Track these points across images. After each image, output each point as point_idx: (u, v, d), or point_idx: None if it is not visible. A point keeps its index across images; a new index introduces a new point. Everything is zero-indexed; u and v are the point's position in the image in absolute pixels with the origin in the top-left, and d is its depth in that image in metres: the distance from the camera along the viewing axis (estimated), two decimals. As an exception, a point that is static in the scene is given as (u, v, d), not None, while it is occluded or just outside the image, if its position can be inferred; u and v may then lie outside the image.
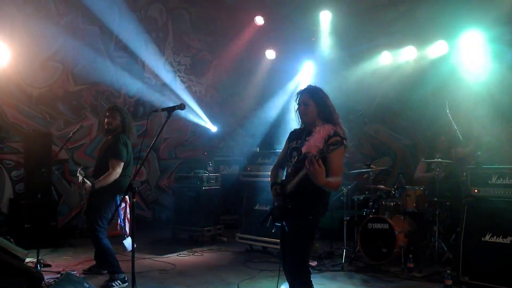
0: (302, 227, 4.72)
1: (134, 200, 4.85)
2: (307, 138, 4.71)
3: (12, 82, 10.08)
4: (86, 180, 6.90)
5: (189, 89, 13.39)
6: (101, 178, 6.96)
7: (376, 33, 11.25)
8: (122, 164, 7.06)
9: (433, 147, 9.01)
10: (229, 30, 13.15)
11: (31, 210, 9.37)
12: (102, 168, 7.08)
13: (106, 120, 7.34)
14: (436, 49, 10.61)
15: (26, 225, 9.19)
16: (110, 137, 7.33)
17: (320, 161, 4.25)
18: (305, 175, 4.48)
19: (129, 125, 7.43)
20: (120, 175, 7.07)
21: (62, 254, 9.04)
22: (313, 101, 4.85)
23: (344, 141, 4.42)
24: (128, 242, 8.43)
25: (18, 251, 7.12)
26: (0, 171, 10.15)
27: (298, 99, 4.96)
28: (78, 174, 7.08)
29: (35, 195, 9.60)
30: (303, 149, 4.63)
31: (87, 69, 11.32)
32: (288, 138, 5.11)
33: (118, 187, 7.06)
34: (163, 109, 5.11)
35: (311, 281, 4.72)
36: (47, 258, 8.47)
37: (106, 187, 6.95)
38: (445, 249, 8.01)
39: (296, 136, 4.98)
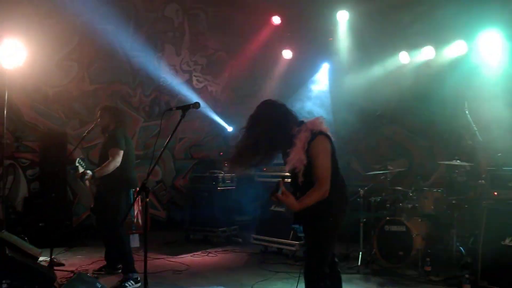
0: (312, 239, 4.60)
1: (148, 199, 4.77)
2: (288, 150, 4.48)
3: (28, 81, 10.06)
4: (86, 171, 6.91)
5: (205, 89, 13.36)
6: (101, 166, 6.96)
7: (394, 33, 11.09)
8: (121, 152, 7.05)
9: (455, 149, 8.81)
10: (245, 30, 13.03)
11: (46, 209, 9.35)
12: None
13: (98, 121, 7.43)
14: (455, 49, 10.43)
15: (40, 224, 9.16)
16: (106, 135, 7.38)
17: (284, 191, 4.15)
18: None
19: (122, 120, 7.50)
20: (125, 170, 7.12)
21: (76, 253, 9.06)
22: (260, 133, 4.45)
23: (323, 134, 4.39)
24: (135, 238, 8.42)
25: (32, 250, 7.10)
26: (15, 169, 10.16)
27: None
28: (77, 164, 7.02)
29: (50, 194, 9.60)
30: (287, 168, 4.51)
31: (103, 69, 11.37)
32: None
33: (128, 182, 7.08)
34: (178, 108, 5.03)
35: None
36: (61, 257, 8.47)
37: (117, 184, 6.98)
38: (463, 252, 7.81)
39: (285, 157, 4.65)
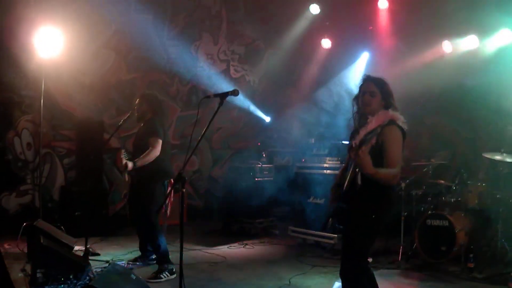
0: (361, 226, 4.45)
1: (184, 190, 4.67)
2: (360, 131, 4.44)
3: (65, 70, 10.01)
4: (128, 162, 6.83)
5: (242, 78, 13.23)
6: (141, 156, 6.88)
7: (436, 21, 10.81)
8: (161, 141, 6.98)
9: (499, 140, 8.53)
10: (283, 19, 12.83)
11: (82, 197, 9.32)
12: (140, 153, 6.99)
13: (135, 109, 7.36)
14: (500, 38, 10.13)
15: (76, 213, 9.13)
16: (142, 124, 7.33)
17: (363, 149, 4.01)
18: (355, 170, 4.32)
19: (159, 109, 7.43)
20: (161, 160, 7.04)
21: (111, 242, 9.03)
22: (380, 92, 4.58)
23: (398, 127, 4.39)
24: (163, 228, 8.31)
25: (67, 239, 7.09)
26: (52, 158, 10.18)
27: (362, 87, 4.67)
28: (122, 156, 6.89)
29: (86, 182, 9.59)
30: (354, 143, 4.39)
31: (140, 57, 11.29)
32: (351, 136, 4.82)
33: (163, 172, 7.01)
34: (216, 95, 4.91)
35: (366, 284, 4.49)
36: (96, 246, 8.42)
37: (152, 174, 6.94)
38: (508, 249, 7.51)
39: (355, 133, 4.65)
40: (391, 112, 4.48)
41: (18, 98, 9.82)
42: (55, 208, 9.95)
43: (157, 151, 6.94)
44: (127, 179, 6.99)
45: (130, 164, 6.82)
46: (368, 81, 4.68)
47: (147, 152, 6.93)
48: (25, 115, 9.90)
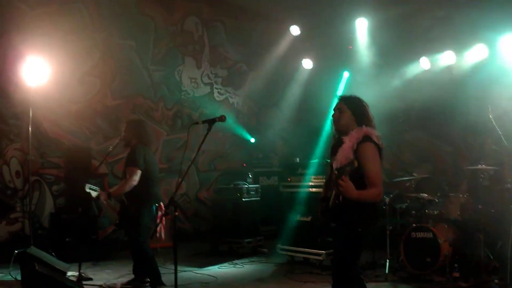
0: (348, 240, 4.59)
1: (176, 214, 4.82)
2: (338, 150, 4.61)
3: (51, 98, 10.12)
4: (100, 193, 6.95)
5: (226, 101, 13.42)
6: (116, 187, 7.01)
7: (414, 39, 11.07)
8: (139, 171, 6.99)
9: (479, 153, 8.75)
10: (264, 41, 13.07)
11: (72, 224, 9.40)
12: None
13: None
14: (476, 53, 10.37)
15: (67, 239, 9.21)
16: (129, 149, 7.39)
17: (344, 178, 4.21)
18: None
19: (145, 135, 7.47)
20: (148, 185, 7.12)
21: (103, 267, 9.05)
22: (348, 108, 4.74)
23: (373, 142, 4.49)
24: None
25: (60, 265, 7.15)
26: (41, 185, 10.25)
27: (334, 105, 4.87)
28: (88, 191, 6.93)
29: (76, 209, 9.65)
30: (334, 166, 4.57)
31: (125, 83, 11.46)
32: (330, 152, 4.95)
33: (151, 197, 7.09)
34: (204, 121, 5.07)
35: None
36: (88, 271, 8.45)
37: (139, 199, 7.01)
38: (491, 257, 7.73)
39: (334, 149, 4.81)
40: (365, 128, 4.61)
41: (6, 127, 9.92)
42: (45, 235, 9.98)
43: (133, 181, 6.93)
44: (105, 203, 7.09)
45: (102, 196, 6.94)
46: (338, 99, 4.91)
47: (123, 182, 7.06)
48: (13, 144, 9.99)
